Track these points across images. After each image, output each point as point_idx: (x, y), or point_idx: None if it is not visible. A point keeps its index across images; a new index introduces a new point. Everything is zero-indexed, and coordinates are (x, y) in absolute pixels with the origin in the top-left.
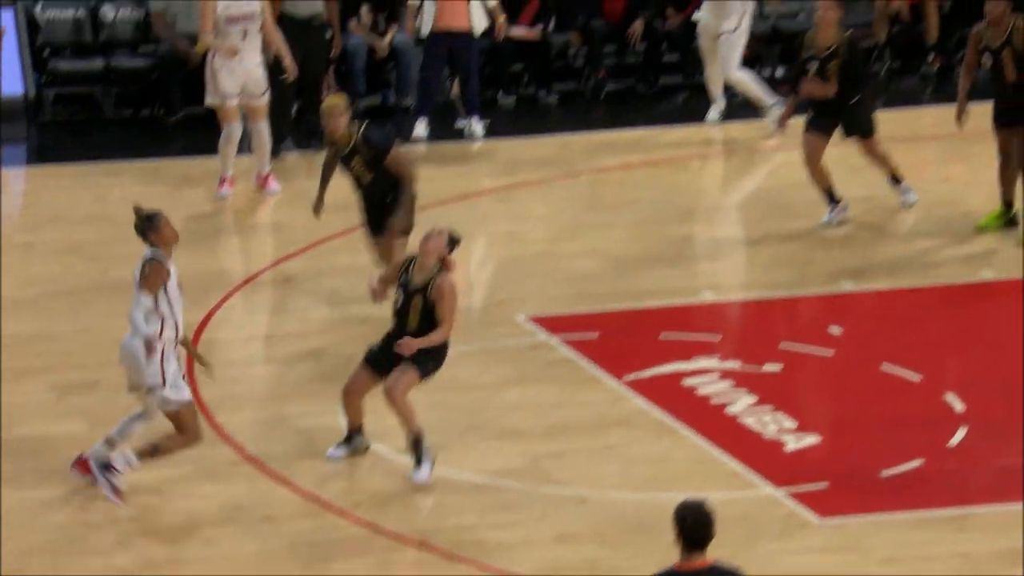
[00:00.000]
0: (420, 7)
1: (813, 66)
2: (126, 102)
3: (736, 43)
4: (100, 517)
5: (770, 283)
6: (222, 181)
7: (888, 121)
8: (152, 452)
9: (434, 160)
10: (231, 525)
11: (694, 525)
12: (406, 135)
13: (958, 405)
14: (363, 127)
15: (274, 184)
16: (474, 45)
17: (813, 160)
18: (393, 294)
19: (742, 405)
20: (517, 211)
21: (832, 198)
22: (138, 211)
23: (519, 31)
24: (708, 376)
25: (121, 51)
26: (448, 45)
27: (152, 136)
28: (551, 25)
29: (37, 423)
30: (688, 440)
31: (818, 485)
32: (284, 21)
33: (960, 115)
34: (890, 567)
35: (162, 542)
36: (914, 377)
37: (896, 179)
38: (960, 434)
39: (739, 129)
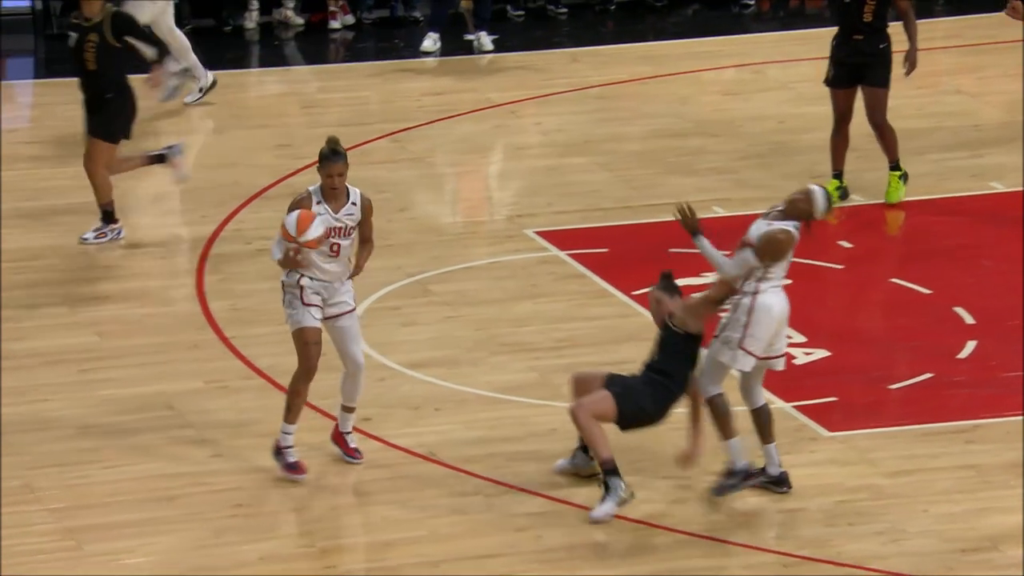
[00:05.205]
0: None
1: (74, 39)
2: None
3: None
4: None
5: (779, 197)
6: None
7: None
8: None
9: (444, 74)
10: (242, 438)
11: None
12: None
13: (968, 318)
14: None
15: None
16: None
17: (89, 164)
18: None
19: None
20: (526, 125)
21: (109, 217)
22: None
23: None
24: None
25: None
26: None
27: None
28: None
29: (48, 336)
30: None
31: (827, 399)
32: None
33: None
34: (898, 479)
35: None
36: (924, 290)
37: (109, 217)
38: (969, 347)
39: (748, 41)
